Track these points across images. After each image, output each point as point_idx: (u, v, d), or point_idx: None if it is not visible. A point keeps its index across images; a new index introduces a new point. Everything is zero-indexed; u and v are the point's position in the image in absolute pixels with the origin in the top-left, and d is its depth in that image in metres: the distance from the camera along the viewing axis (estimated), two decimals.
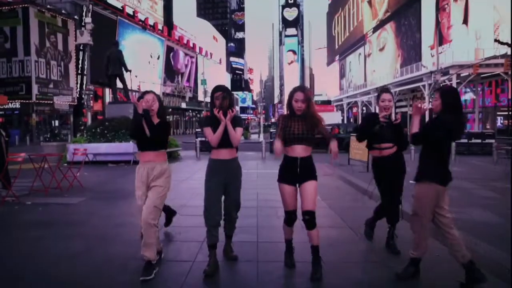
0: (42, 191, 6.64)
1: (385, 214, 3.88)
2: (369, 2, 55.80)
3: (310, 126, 3.20)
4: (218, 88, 3.45)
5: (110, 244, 3.90)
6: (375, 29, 53.71)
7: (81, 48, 34.12)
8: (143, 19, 46.11)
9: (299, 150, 3.17)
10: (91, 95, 19.40)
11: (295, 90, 3.30)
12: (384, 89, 3.59)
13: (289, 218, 3.31)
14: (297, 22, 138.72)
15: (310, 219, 3.12)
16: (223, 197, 3.43)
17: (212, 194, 3.32)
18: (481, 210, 5.43)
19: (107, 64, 12.86)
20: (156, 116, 3.41)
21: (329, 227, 4.48)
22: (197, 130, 22.31)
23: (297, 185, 3.23)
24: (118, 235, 4.09)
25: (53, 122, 33.50)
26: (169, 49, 53.20)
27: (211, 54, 70.56)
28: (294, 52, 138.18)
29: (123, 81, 13.17)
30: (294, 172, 3.17)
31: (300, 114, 3.21)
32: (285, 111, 3.73)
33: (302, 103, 3.19)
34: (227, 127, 3.27)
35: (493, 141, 15.56)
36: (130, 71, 13.05)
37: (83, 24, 25.91)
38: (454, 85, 28.63)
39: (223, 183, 3.36)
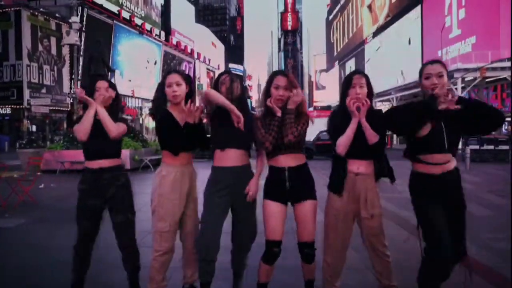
0: None
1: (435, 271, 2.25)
2: (369, 7, 55.17)
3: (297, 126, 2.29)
4: (223, 72, 2.68)
5: None
6: (375, 34, 52.97)
7: (75, 54, 33.29)
8: (140, 24, 45.30)
9: (285, 159, 2.36)
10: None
11: (275, 73, 2.38)
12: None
13: (270, 252, 2.36)
14: (296, 29, 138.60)
15: (310, 253, 2.37)
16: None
17: (211, 215, 2.41)
18: None
19: (89, 64, 11.90)
20: (183, 103, 2.52)
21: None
22: None
23: (289, 204, 2.38)
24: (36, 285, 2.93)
25: (29, 127, 32.29)
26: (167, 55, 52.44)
27: (209, 60, 69.90)
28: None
29: None
30: (282, 187, 2.36)
31: (281, 106, 2.33)
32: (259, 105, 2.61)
33: (284, 91, 2.32)
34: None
35: (507, 147, 14.56)
36: (113, 71, 12.09)
37: (77, 28, 25.12)
38: (459, 89, 27.73)
39: (229, 200, 2.43)
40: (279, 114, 2.30)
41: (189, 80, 2.64)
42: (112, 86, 2.76)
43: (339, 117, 2.36)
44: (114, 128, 2.56)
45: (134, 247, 2.67)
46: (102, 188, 2.54)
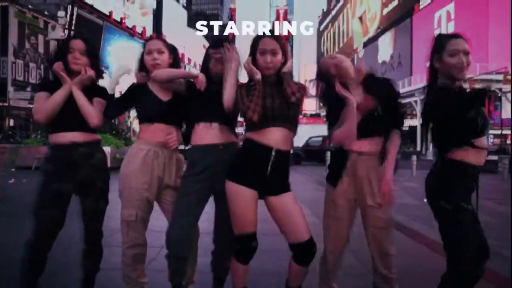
0: None
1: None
2: (360, 18, 55.83)
3: (288, 98, 1.89)
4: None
5: None
6: (365, 45, 53.53)
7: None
8: (131, 26, 44.98)
9: (277, 136, 1.88)
10: None
11: (260, 36, 1.95)
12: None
13: (247, 247, 1.95)
14: (287, 38, 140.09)
15: (314, 251, 1.94)
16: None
17: (182, 203, 2.02)
18: None
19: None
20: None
21: None
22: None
23: (262, 196, 1.95)
24: None
25: (7, 121, 31.25)
26: None
27: (200, 65, 69.85)
28: None
29: None
30: (262, 172, 1.88)
31: (270, 75, 1.92)
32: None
33: (272, 57, 1.89)
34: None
35: (496, 157, 14.54)
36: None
37: (66, 26, 24.58)
38: None
39: (208, 187, 2.03)
40: (258, 76, 1.87)
41: (174, 51, 2.32)
42: (91, 52, 2.18)
43: (332, 97, 1.97)
44: (95, 115, 2.08)
45: (98, 242, 2.23)
46: (72, 168, 2.06)
